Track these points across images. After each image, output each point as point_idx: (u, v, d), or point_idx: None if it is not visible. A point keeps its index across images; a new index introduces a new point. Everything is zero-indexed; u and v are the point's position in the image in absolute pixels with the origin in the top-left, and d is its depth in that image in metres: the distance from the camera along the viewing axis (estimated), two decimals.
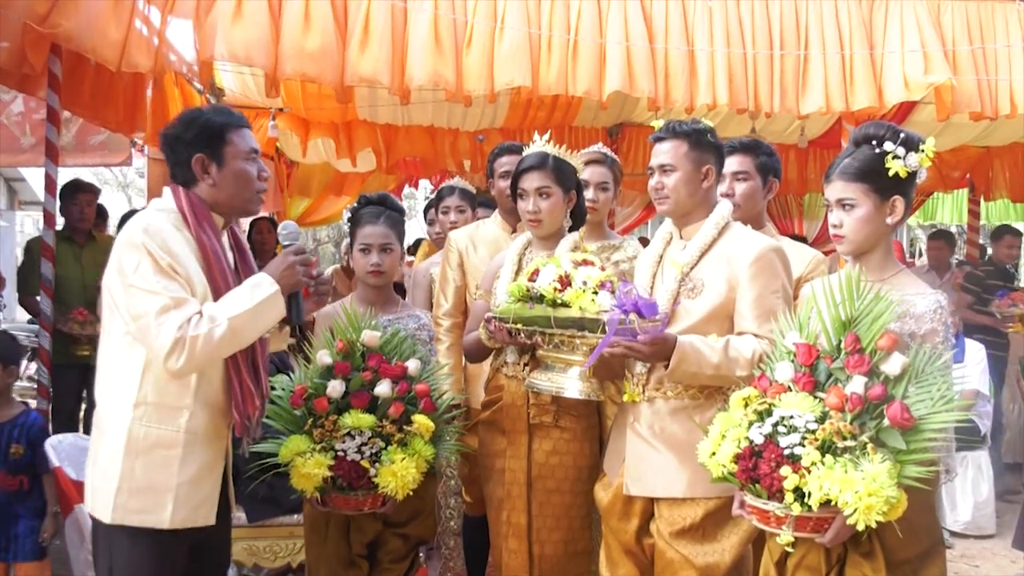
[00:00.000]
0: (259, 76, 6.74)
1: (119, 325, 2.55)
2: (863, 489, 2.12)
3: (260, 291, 2.57)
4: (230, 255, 2.76)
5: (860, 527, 2.15)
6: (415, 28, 4.65)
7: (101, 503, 2.56)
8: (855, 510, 2.13)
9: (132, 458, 2.53)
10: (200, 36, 4.46)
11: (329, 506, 2.95)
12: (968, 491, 5.75)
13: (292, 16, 4.45)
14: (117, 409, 2.56)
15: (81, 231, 6.04)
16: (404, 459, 2.86)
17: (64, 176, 5.55)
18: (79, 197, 5.98)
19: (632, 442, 2.89)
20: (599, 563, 3.05)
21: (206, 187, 2.67)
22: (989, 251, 9.11)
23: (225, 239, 2.77)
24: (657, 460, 2.82)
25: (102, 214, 7.34)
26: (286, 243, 2.74)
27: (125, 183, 22.47)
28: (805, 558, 2.44)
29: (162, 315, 2.43)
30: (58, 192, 5.24)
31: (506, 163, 4.03)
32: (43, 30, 4.30)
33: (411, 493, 2.89)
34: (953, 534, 5.69)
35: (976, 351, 5.91)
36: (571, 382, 2.84)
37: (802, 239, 8.34)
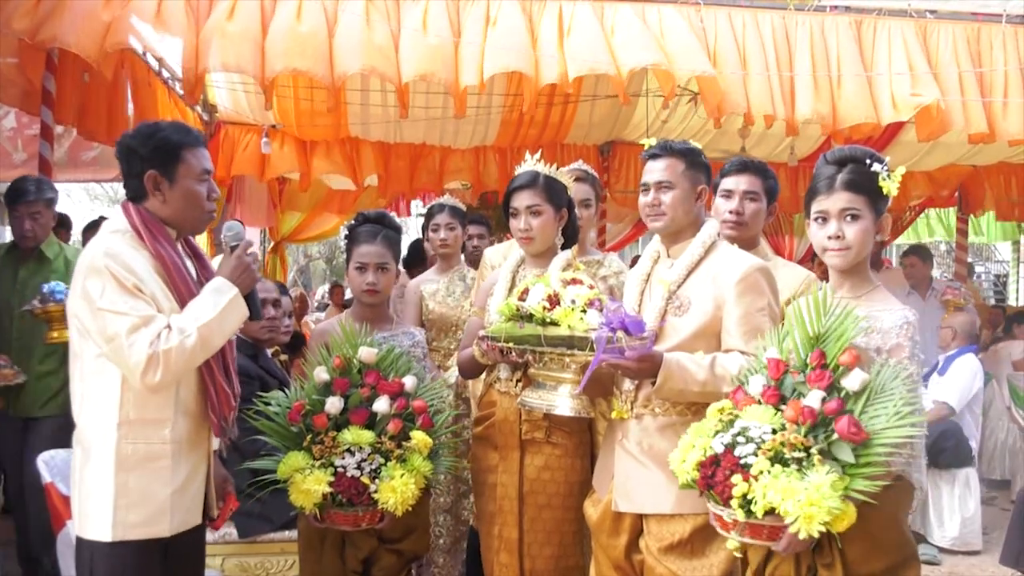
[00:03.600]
0: (251, 94, 6.80)
1: (91, 348, 2.58)
2: (804, 499, 2.17)
3: (223, 296, 2.63)
4: (190, 265, 2.78)
5: (802, 535, 2.19)
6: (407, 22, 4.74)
7: (97, 523, 2.59)
8: (796, 519, 2.17)
9: (124, 474, 2.57)
10: (192, 50, 4.50)
11: (327, 522, 2.96)
12: (955, 507, 5.77)
13: (282, 19, 4.54)
14: (101, 429, 2.59)
15: (26, 247, 4.66)
16: (404, 475, 2.88)
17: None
18: (18, 208, 4.59)
19: (620, 459, 2.91)
20: None
21: (156, 203, 2.69)
22: None
23: (180, 249, 2.80)
24: (645, 476, 2.83)
25: (64, 223, 6.44)
26: (232, 244, 2.75)
27: (116, 198, 22.43)
28: (778, 568, 2.51)
29: (133, 334, 2.47)
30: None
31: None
32: (34, 42, 4.33)
33: (408, 509, 2.90)
34: (941, 550, 5.71)
35: (965, 364, 5.92)
36: (562, 399, 2.85)
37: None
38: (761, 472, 2.24)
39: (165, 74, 6.16)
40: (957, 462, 5.78)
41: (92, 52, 4.40)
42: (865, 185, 2.53)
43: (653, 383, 2.69)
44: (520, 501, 3.17)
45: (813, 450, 2.25)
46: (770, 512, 2.23)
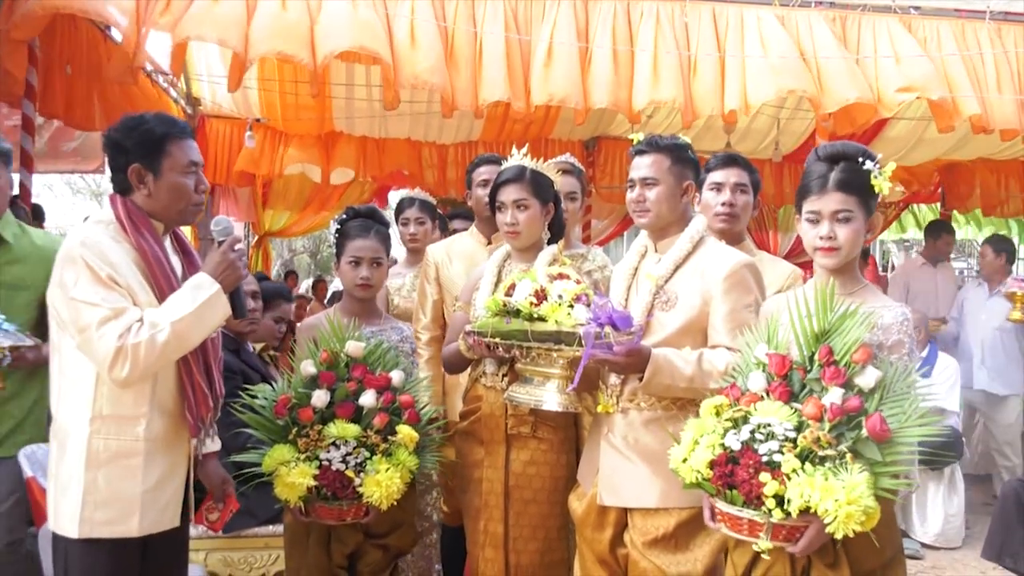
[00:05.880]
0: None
1: (69, 341, 2.54)
2: (843, 498, 2.13)
3: (201, 292, 2.57)
4: (175, 260, 2.75)
5: (838, 535, 2.16)
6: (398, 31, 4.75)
7: (66, 518, 2.55)
8: (835, 518, 2.14)
9: (94, 471, 2.53)
10: (175, 20, 4.48)
11: (312, 516, 2.95)
12: (939, 504, 5.80)
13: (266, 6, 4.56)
14: (75, 423, 2.55)
15: None
16: (389, 469, 2.88)
17: (38, 183, 5.47)
18: None
19: (606, 453, 2.91)
20: (574, 573, 3.07)
21: (142, 196, 2.64)
22: None
23: (168, 244, 2.76)
24: (630, 471, 2.84)
25: (38, 214, 5.97)
26: (220, 239, 2.70)
27: (99, 191, 22.31)
28: (770, 571, 2.46)
29: (102, 326, 2.43)
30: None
31: (484, 172, 4.08)
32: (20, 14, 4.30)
33: (393, 504, 2.90)
34: (924, 546, 5.74)
35: (946, 365, 5.96)
36: (549, 395, 2.86)
37: None
38: (794, 470, 2.20)
39: (148, 67, 6.12)
40: (948, 459, 5.80)
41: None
42: (857, 185, 2.50)
43: (640, 378, 2.69)
44: (506, 496, 3.17)
45: (843, 447, 2.22)
46: (801, 512, 2.19)
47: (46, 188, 15.57)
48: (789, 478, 2.21)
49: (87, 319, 2.44)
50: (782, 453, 2.24)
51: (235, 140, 7.77)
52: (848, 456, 2.21)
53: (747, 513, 2.28)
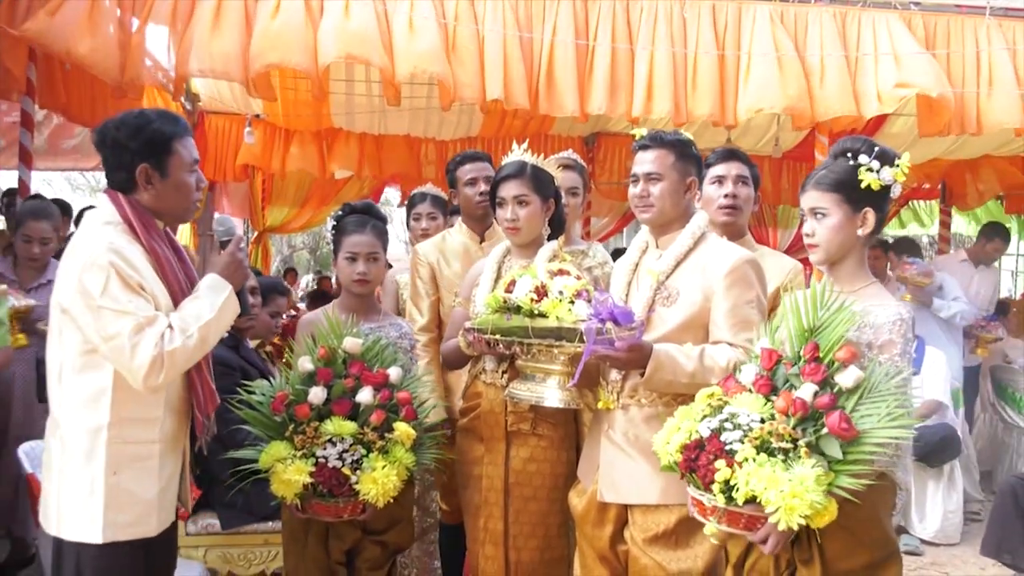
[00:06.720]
0: (235, 83, 6.77)
1: (77, 344, 2.51)
2: (787, 489, 2.17)
3: (219, 295, 2.61)
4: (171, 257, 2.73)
5: (781, 527, 2.20)
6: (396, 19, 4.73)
7: (85, 525, 2.51)
8: (777, 509, 2.18)
9: (116, 475, 2.52)
10: (178, 51, 4.48)
11: (309, 513, 2.95)
12: (938, 500, 5.80)
13: (264, 15, 4.55)
14: (88, 429, 2.52)
15: None
16: (385, 467, 2.87)
17: (37, 180, 5.47)
18: None
19: (606, 449, 2.91)
20: (574, 570, 3.07)
21: (147, 196, 2.62)
22: None
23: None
24: (631, 467, 2.84)
25: (64, 209, 6.21)
26: (224, 239, 2.72)
27: (97, 187, 22.25)
28: (757, 563, 2.52)
29: (137, 334, 2.42)
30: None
31: (470, 171, 4.03)
32: (17, 32, 4.29)
33: (390, 500, 2.89)
34: (923, 542, 5.75)
35: (935, 359, 5.94)
36: (550, 391, 2.85)
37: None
38: (746, 459, 2.24)
39: (147, 63, 6.11)
40: (947, 457, 5.80)
41: (87, 56, 4.39)
42: (838, 181, 2.55)
43: (641, 374, 2.69)
44: (506, 493, 3.17)
45: (801, 443, 2.25)
46: (751, 501, 2.23)
47: (45, 184, 15.53)
48: (741, 466, 2.25)
49: (117, 327, 2.42)
50: (742, 443, 2.28)
51: (234, 136, 7.75)
52: (803, 450, 2.24)
53: (706, 498, 2.34)
